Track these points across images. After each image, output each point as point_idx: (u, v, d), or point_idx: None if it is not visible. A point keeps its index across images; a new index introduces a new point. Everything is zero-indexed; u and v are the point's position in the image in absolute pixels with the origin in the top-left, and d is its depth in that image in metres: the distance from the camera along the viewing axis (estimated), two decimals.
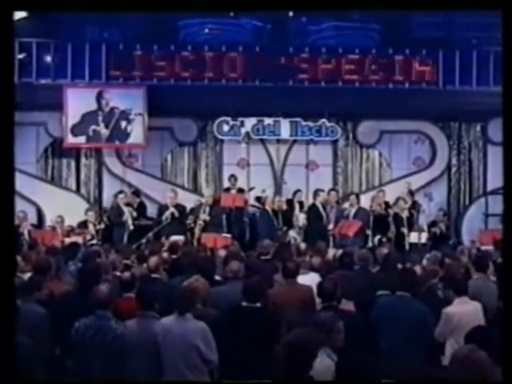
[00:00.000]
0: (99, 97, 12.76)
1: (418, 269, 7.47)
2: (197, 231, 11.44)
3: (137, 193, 12.75)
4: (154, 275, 6.64)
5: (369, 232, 11.54)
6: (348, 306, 5.54)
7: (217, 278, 6.61)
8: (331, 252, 8.89)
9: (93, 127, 12.75)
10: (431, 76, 13.15)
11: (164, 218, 11.46)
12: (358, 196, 12.19)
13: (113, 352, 4.77)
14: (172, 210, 11.55)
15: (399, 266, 7.21)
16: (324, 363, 3.81)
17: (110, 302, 4.98)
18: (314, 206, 12.16)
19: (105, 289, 5.02)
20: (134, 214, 11.65)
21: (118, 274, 6.98)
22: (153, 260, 6.81)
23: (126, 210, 11.62)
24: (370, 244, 11.36)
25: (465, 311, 5.26)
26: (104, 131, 12.79)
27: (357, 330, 5.08)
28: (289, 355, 3.50)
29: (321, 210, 12.01)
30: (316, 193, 12.28)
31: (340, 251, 8.49)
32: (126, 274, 6.12)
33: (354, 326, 5.09)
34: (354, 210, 11.78)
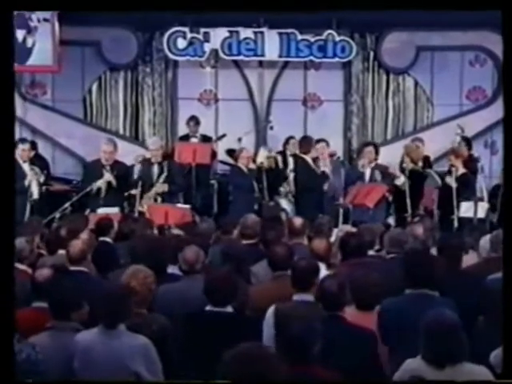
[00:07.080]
0: None
1: (473, 256, 7.49)
2: (138, 200, 11.39)
3: (33, 143, 12.62)
4: (75, 268, 6.69)
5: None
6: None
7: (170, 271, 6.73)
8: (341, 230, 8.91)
9: None
10: None
11: (95, 187, 11.32)
12: (376, 147, 12.09)
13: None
14: (107, 176, 11.36)
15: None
16: None
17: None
18: (312, 161, 12.14)
19: None
20: (42, 177, 11.55)
21: (23, 267, 6.98)
22: (77, 245, 6.84)
23: (28, 169, 11.52)
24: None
25: None
26: None
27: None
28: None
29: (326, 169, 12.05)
30: (317, 142, 12.28)
31: (354, 230, 8.52)
32: (44, 272, 6.02)
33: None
34: (368, 170, 11.76)
